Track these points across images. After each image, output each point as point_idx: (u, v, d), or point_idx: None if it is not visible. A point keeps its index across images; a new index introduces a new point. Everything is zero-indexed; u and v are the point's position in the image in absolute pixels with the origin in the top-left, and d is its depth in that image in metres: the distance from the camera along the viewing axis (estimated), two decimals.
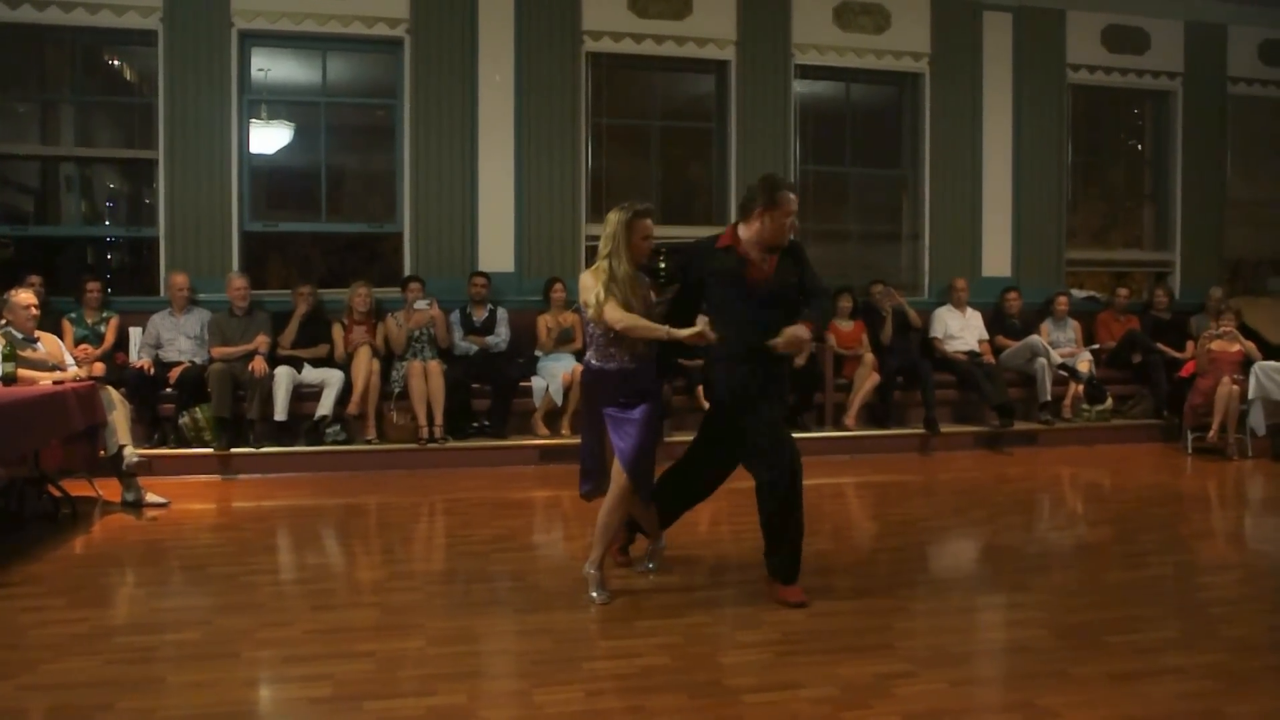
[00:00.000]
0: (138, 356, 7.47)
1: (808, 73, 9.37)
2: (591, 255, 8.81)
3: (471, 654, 3.65)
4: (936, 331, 8.98)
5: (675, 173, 9.63)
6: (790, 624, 3.97)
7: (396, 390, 7.58)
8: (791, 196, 4.26)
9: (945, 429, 8.38)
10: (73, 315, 7.48)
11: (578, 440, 7.49)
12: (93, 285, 7.55)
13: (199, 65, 7.99)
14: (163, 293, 7.87)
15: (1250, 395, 7.99)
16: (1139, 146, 10.91)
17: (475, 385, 7.77)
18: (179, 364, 7.33)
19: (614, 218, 4.19)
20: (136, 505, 6.01)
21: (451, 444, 7.49)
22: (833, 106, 9.78)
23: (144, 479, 6.18)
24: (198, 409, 7.17)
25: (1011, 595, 4.46)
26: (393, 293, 8.15)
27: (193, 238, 8.02)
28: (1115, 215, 10.95)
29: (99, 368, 6.77)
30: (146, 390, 7.16)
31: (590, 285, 4.17)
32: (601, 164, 8.97)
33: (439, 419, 7.46)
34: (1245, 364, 8.16)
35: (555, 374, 7.79)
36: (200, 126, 8.01)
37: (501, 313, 8.17)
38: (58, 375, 5.88)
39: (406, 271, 8.31)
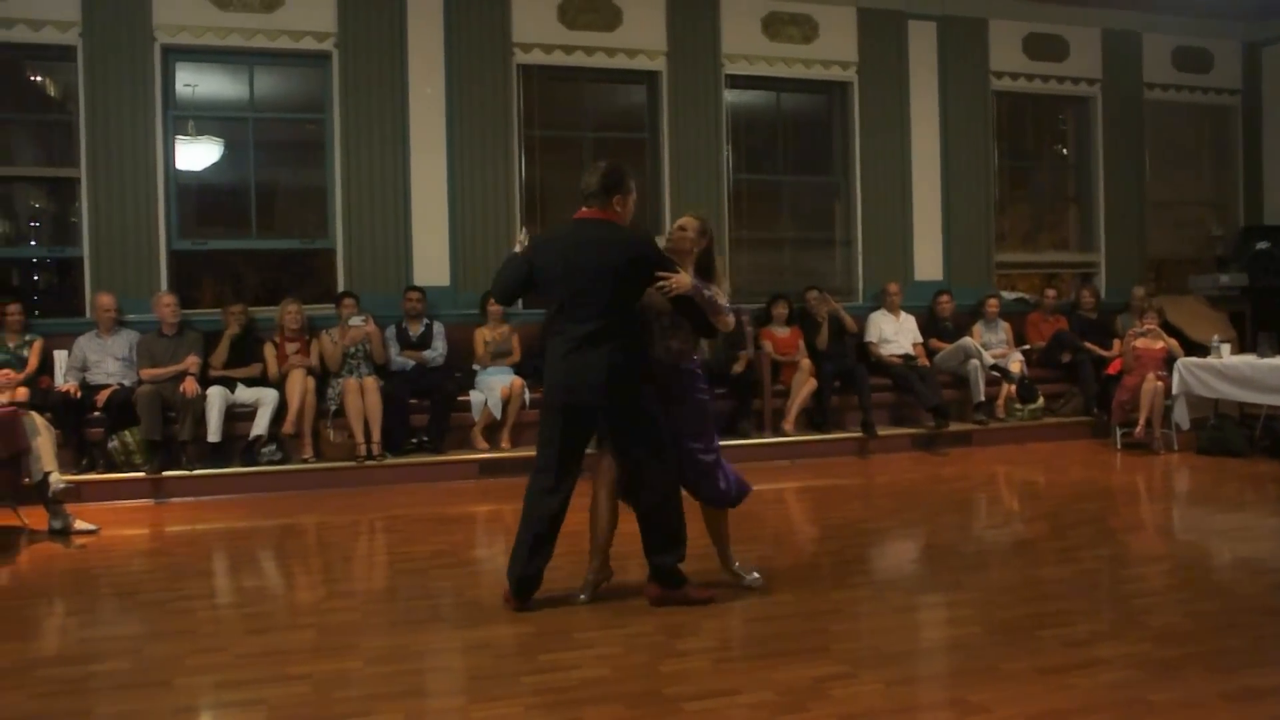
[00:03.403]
0: (63, 380, 7.26)
1: (738, 82, 9.45)
2: None
3: (410, 672, 3.61)
4: (871, 336, 9.11)
5: None
6: (729, 630, 4.00)
7: (333, 408, 7.48)
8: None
9: (882, 432, 8.50)
10: None
11: (517, 454, 7.52)
12: (13, 308, 7.33)
13: (121, 81, 7.82)
14: (89, 314, 7.68)
15: (1174, 391, 8.21)
16: (1063, 150, 11.19)
17: (413, 401, 7.70)
18: (107, 386, 7.15)
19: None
20: (64, 533, 5.84)
21: (390, 460, 7.41)
22: (764, 115, 9.88)
23: (72, 505, 6.03)
24: (127, 432, 7.01)
25: (948, 594, 4.53)
26: (327, 309, 8.06)
27: (119, 257, 7.84)
28: (1042, 218, 11.20)
29: (22, 393, 6.61)
30: (73, 414, 6.96)
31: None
32: (535, 176, 8.94)
33: (376, 436, 7.38)
34: (1169, 361, 8.38)
35: (493, 387, 7.76)
36: (124, 143, 7.84)
37: (438, 327, 8.10)
38: None
39: (340, 287, 8.22)
